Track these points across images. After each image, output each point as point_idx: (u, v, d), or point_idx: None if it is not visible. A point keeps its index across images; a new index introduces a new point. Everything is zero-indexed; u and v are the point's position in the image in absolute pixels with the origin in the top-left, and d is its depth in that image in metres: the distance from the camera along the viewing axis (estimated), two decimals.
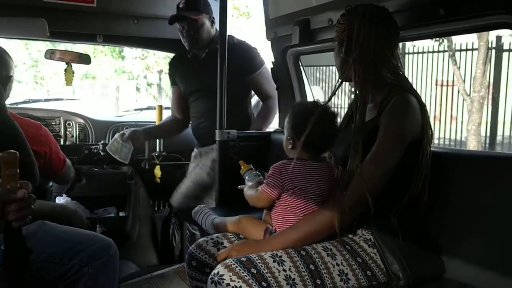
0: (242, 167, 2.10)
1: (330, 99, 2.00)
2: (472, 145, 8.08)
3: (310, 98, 3.11)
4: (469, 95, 8.39)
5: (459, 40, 8.62)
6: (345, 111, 2.12)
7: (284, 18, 2.86)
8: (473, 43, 8.33)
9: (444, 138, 8.68)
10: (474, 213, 1.76)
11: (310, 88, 3.18)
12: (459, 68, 8.51)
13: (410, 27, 1.92)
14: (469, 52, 8.39)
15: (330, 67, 9.76)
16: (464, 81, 8.48)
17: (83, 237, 1.74)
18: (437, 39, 8.92)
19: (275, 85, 3.14)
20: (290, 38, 2.75)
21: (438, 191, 1.81)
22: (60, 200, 2.84)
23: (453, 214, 1.82)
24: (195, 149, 3.23)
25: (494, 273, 1.66)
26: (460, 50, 8.52)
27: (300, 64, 3.05)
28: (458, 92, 8.59)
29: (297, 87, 3.05)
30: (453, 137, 8.68)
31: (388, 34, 1.81)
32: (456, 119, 8.72)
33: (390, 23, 1.81)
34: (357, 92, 1.80)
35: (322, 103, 1.90)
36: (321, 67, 9.98)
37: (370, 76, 1.78)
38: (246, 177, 2.05)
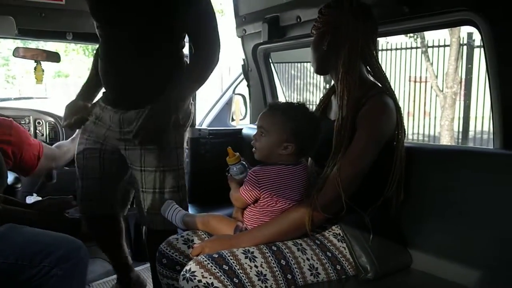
0: (229, 155, 1.87)
1: (323, 103, 2.04)
2: (446, 140, 8.15)
3: (280, 95, 3.13)
4: (442, 91, 8.46)
5: (431, 37, 8.68)
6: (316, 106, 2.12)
7: (253, 15, 2.87)
8: (445, 39, 8.42)
9: (418, 133, 8.76)
10: (442, 207, 1.79)
11: (281, 85, 3.20)
12: (431, 64, 8.58)
13: (381, 24, 1.94)
14: (441, 49, 8.49)
15: (304, 64, 9.78)
16: (436, 77, 8.56)
17: (53, 239, 1.72)
18: (411, 35, 9.01)
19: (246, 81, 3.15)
20: (260, 36, 2.77)
21: (409, 186, 1.84)
22: (30, 199, 2.80)
23: (421, 207, 1.85)
24: None
25: (459, 265, 1.70)
26: (433, 47, 8.60)
27: (271, 61, 3.07)
28: (431, 88, 8.67)
29: (267, 84, 3.07)
30: (426, 132, 8.77)
31: (373, 29, 1.84)
32: (429, 114, 8.81)
33: (374, 19, 1.84)
34: (340, 87, 1.78)
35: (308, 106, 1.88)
36: (295, 64, 9.98)
37: (356, 72, 1.79)
38: (233, 171, 1.87)
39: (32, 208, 2.02)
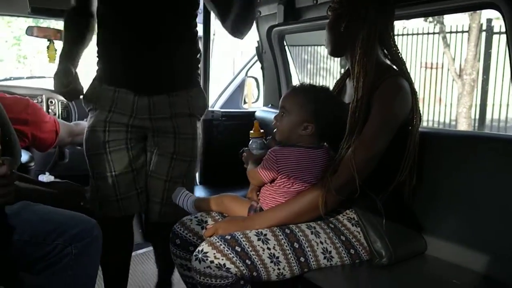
0: (254, 129, 1.90)
1: (338, 87, 2.01)
2: (463, 128, 7.99)
3: (294, 78, 3.11)
4: (460, 77, 8.29)
5: (449, 22, 8.51)
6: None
7: None
8: (463, 25, 8.23)
9: (433, 120, 8.63)
10: (456, 193, 1.78)
11: (295, 68, 3.18)
12: (449, 50, 8.39)
13: (399, 7, 1.91)
14: (459, 34, 8.28)
15: (316, 48, 9.69)
16: (454, 63, 8.40)
17: (68, 218, 1.72)
18: (430, 20, 8.84)
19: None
20: (275, 17, 2.74)
21: (423, 171, 1.82)
22: (43, 178, 2.80)
23: (436, 193, 1.83)
24: None
25: (474, 251, 1.69)
26: (450, 32, 8.40)
27: (285, 44, 3.05)
28: (448, 74, 8.50)
29: (281, 66, 3.04)
30: (441, 119, 8.63)
31: (391, 11, 1.82)
32: (441, 100, 8.68)
33: (392, 1, 1.81)
34: (357, 68, 1.75)
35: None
36: (308, 48, 9.90)
37: (374, 54, 1.77)
38: (253, 145, 1.90)
39: (50, 188, 2.04)
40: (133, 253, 2.62)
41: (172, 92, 2.04)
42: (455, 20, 8.48)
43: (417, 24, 8.87)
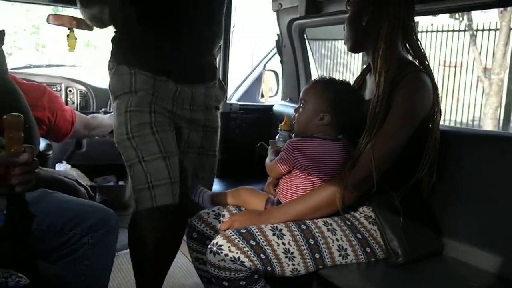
0: (284, 122, 2.01)
1: (358, 83, 2.00)
2: (489, 129, 7.74)
3: (314, 73, 3.09)
4: (488, 77, 8.02)
5: (477, 20, 8.27)
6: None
7: None
8: (490, 23, 7.97)
9: (450, 120, 8.44)
10: (476, 194, 1.76)
11: (315, 62, 3.15)
12: (479, 51, 8.08)
13: (420, 2, 1.88)
14: (486, 32, 8.02)
15: (335, 43, 9.61)
16: (481, 62, 8.14)
17: (85, 207, 1.73)
18: (456, 17, 8.63)
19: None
20: (296, 10, 2.72)
21: (442, 170, 1.80)
22: (60, 167, 2.83)
23: (455, 193, 1.82)
24: None
25: (492, 253, 1.67)
26: (479, 30, 8.11)
27: (306, 38, 3.02)
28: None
29: (301, 60, 3.02)
30: (459, 119, 8.43)
31: (413, 6, 1.79)
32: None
33: None
34: (380, 63, 1.73)
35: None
36: (326, 43, 9.81)
37: (397, 48, 1.76)
38: (280, 138, 1.99)
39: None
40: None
41: (209, 83, 2.01)
42: (483, 18, 8.21)
43: (443, 21, 8.68)
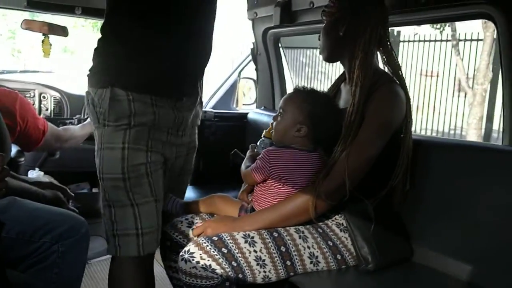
0: (269, 128, 1.92)
1: (332, 92, 2.01)
2: (473, 140, 7.62)
3: (288, 81, 3.11)
4: (471, 87, 7.94)
5: (459, 30, 8.22)
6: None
7: None
8: (471, 33, 7.94)
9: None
10: (446, 201, 1.78)
11: (289, 70, 3.17)
12: (462, 59, 7.99)
13: (391, 13, 1.91)
14: (468, 43, 8.00)
15: (315, 51, 9.60)
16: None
17: (55, 215, 1.72)
18: (437, 27, 8.60)
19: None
20: (271, 19, 2.73)
21: (412, 178, 1.82)
22: (33, 174, 2.79)
23: (425, 201, 1.84)
24: None
25: (460, 260, 1.69)
26: (464, 40, 8.06)
27: (280, 46, 3.05)
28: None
29: (275, 69, 3.04)
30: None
31: (387, 15, 1.81)
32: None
33: (385, 5, 1.81)
34: (357, 72, 1.74)
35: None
36: (306, 51, 9.69)
37: (373, 58, 1.78)
38: (261, 144, 1.94)
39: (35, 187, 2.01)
40: None
41: (197, 101, 1.86)
42: (466, 28, 8.20)
43: (426, 31, 8.72)
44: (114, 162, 1.63)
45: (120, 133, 1.63)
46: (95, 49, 1.69)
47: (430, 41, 8.46)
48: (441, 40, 8.41)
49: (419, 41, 8.54)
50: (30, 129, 2.26)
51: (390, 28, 1.82)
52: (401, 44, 8.64)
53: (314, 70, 9.94)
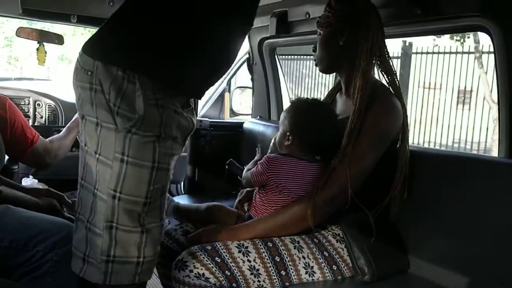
0: None
1: (328, 102, 2.01)
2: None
3: (284, 90, 3.12)
4: (496, 102, 7.80)
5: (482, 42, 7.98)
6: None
7: (261, 9, 2.80)
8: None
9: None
10: (443, 213, 1.78)
11: (285, 80, 3.18)
12: (486, 72, 7.75)
13: (387, 25, 1.92)
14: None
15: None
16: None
17: (50, 224, 1.70)
18: (458, 39, 8.49)
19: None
20: (267, 30, 2.74)
21: (409, 189, 1.82)
22: (27, 181, 2.77)
23: (422, 213, 1.84)
24: None
25: (457, 272, 1.69)
26: (488, 53, 7.56)
27: (276, 56, 3.05)
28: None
29: (271, 78, 3.05)
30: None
31: (382, 26, 1.81)
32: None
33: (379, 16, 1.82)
34: (359, 82, 1.74)
35: (322, 102, 1.90)
36: (307, 62, 9.52)
37: (372, 67, 1.78)
38: (273, 147, 1.98)
39: (30, 195, 1.98)
40: None
41: None
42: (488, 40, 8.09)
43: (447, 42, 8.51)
44: (140, 183, 1.35)
45: (150, 147, 1.35)
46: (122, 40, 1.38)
47: (450, 53, 8.16)
48: (462, 52, 8.16)
49: (438, 53, 8.28)
50: (17, 134, 2.16)
51: (403, 40, 1.83)
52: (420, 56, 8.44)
53: (315, 81, 9.91)
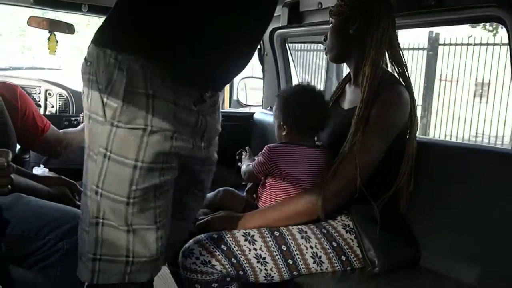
0: None
1: (337, 93, 2.02)
2: None
3: (295, 81, 3.11)
4: None
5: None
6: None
7: None
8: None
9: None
10: (453, 205, 1.77)
11: (296, 71, 3.16)
12: None
13: (399, 16, 1.90)
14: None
15: None
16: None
17: (61, 212, 1.71)
18: (490, 30, 8.37)
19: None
20: (278, 20, 2.72)
21: (419, 181, 1.82)
22: (38, 171, 2.79)
23: (432, 205, 1.83)
24: None
25: (467, 264, 1.68)
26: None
27: (287, 47, 3.04)
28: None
29: (282, 69, 3.03)
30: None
31: (394, 17, 1.82)
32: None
33: (393, 6, 1.82)
34: (368, 71, 1.75)
35: (307, 84, 1.91)
36: (321, 53, 9.19)
37: (383, 57, 1.79)
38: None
39: (42, 183, 1.99)
40: None
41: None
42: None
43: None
44: (121, 182, 1.25)
45: (134, 143, 1.24)
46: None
47: (481, 44, 7.98)
48: (494, 44, 7.95)
49: (468, 44, 8.07)
50: (29, 122, 2.15)
51: (429, 30, 1.83)
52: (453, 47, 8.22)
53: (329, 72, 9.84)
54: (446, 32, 8.08)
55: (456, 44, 8.18)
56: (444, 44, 8.23)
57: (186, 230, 1.62)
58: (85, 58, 1.29)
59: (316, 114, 1.81)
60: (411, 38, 7.74)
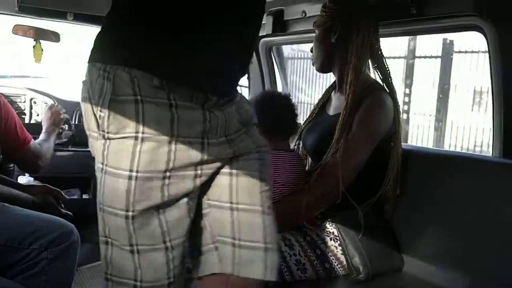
0: None
1: (323, 100, 2.05)
2: None
3: (279, 89, 3.13)
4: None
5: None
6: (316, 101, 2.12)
7: None
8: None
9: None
10: (436, 212, 1.79)
11: (281, 79, 3.17)
12: None
13: (382, 24, 1.92)
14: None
15: None
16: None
17: (45, 222, 1.71)
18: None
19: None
20: (263, 28, 2.74)
21: (403, 188, 1.84)
22: (23, 179, 2.77)
23: (415, 212, 1.85)
24: None
25: (451, 271, 1.70)
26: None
27: (272, 55, 3.05)
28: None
29: (267, 77, 3.05)
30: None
31: (377, 24, 1.84)
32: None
33: (375, 14, 1.84)
34: (351, 76, 1.77)
35: (273, 91, 1.93)
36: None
37: (365, 62, 1.81)
38: None
39: (27, 192, 1.97)
40: None
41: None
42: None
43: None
44: (117, 196, 1.17)
45: (126, 153, 1.15)
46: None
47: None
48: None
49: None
50: (11, 132, 2.07)
51: (443, 37, 1.85)
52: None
53: (326, 81, 9.84)
54: (460, 39, 7.65)
55: (472, 52, 7.45)
56: (460, 52, 7.50)
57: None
58: (83, 80, 1.23)
59: (282, 119, 1.83)
60: (425, 46, 7.40)
